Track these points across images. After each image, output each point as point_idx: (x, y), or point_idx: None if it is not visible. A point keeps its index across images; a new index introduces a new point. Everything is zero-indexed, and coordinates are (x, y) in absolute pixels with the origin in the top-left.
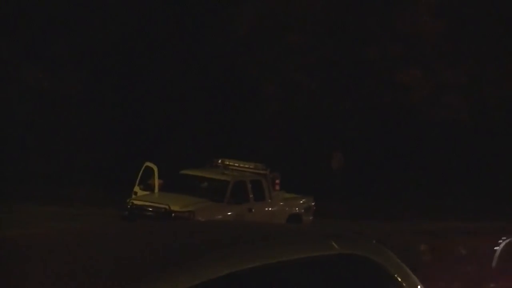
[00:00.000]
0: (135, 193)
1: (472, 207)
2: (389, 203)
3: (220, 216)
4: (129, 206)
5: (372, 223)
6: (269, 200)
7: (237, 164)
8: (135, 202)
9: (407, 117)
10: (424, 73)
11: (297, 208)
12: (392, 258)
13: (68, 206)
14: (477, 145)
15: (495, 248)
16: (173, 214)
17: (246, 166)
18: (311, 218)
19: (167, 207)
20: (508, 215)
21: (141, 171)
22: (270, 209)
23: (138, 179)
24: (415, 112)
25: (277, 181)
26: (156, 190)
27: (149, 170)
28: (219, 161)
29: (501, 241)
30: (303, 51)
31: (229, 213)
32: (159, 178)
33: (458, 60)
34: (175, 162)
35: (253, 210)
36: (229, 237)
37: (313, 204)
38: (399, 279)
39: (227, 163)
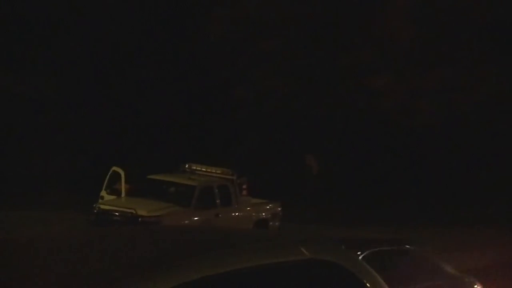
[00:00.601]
0: (102, 198)
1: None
2: (360, 208)
3: (187, 221)
4: (95, 211)
5: (342, 229)
6: (236, 206)
7: (204, 169)
8: (102, 206)
9: (380, 122)
10: (397, 79)
11: (264, 214)
12: (361, 264)
13: (41, 211)
14: (450, 150)
15: None
16: (139, 219)
17: (213, 171)
18: (277, 223)
19: (133, 211)
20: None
21: (108, 176)
22: (237, 214)
23: (105, 184)
24: (388, 118)
25: (244, 186)
26: (123, 194)
27: (116, 175)
28: (186, 166)
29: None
30: (277, 56)
31: (196, 218)
32: (126, 182)
33: (430, 66)
34: (145, 167)
35: (220, 216)
36: (199, 242)
37: (280, 209)
38: (368, 285)
39: (194, 168)
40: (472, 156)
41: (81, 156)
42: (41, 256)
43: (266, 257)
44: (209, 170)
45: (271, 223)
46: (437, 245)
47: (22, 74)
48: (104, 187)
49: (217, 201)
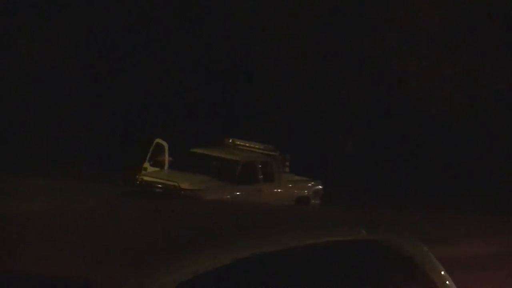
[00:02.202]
0: (145, 169)
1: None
2: (387, 192)
3: (228, 196)
4: (138, 182)
5: (379, 212)
6: (278, 182)
7: (247, 145)
8: (145, 178)
9: (402, 107)
10: (420, 64)
11: (305, 191)
12: (420, 247)
13: (65, 181)
14: (472, 138)
15: None
16: (182, 192)
17: (256, 147)
18: (318, 201)
19: (176, 184)
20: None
21: (151, 148)
22: (278, 190)
23: (148, 156)
24: (411, 103)
25: (287, 163)
26: (166, 167)
27: (160, 147)
28: (230, 141)
29: None
30: (302, 38)
31: (237, 193)
32: (169, 155)
33: (455, 52)
34: (185, 140)
35: (262, 191)
36: (259, 218)
37: (321, 187)
38: (426, 268)
39: (238, 143)
40: (495, 143)
41: (112, 129)
42: (82, 227)
43: (325, 235)
44: (252, 146)
45: (312, 200)
46: (459, 231)
47: (47, 45)
48: (147, 159)
49: (260, 176)
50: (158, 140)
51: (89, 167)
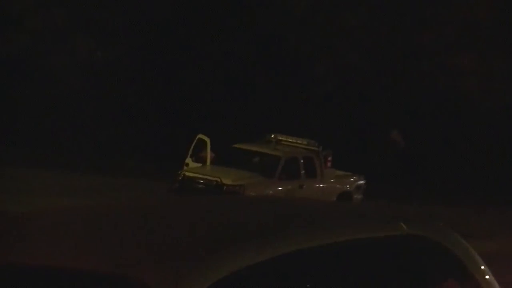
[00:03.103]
0: (187, 165)
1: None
2: (438, 187)
3: (270, 192)
4: (180, 178)
5: (425, 207)
6: (320, 177)
7: (289, 140)
8: (187, 173)
9: (460, 102)
10: (478, 59)
11: (348, 186)
12: (460, 242)
13: (116, 177)
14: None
15: None
16: (224, 188)
17: (299, 142)
18: (361, 196)
19: (218, 180)
20: None
21: (193, 143)
22: (320, 186)
23: (190, 151)
24: (468, 98)
25: (329, 158)
26: (208, 162)
27: (202, 143)
28: (272, 136)
29: None
30: (357, 32)
31: (279, 189)
32: (211, 151)
33: (496, 45)
34: (227, 136)
35: (304, 187)
36: (298, 213)
37: (363, 182)
38: (466, 263)
39: (280, 138)
40: None
41: (158, 125)
42: (132, 222)
43: (365, 231)
44: (294, 141)
45: (355, 196)
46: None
47: (101, 39)
48: (189, 155)
49: (302, 172)
50: (200, 135)
51: (138, 163)
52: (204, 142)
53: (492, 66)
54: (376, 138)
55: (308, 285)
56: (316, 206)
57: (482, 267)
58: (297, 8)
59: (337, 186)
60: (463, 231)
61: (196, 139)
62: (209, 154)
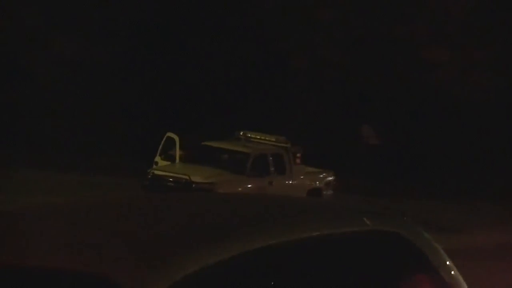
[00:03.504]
0: (156, 163)
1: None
2: (410, 182)
3: (240, 189)
4: (149, 176)
5: (396, 202)
6: (290, 174)
7: (258, 137)
8: (156, 172)
9: (434, 95)
10: (452, 51)
11: (317, 182)
12: (423, 235)
13: (92, 175)
14: (507, 125)
15: None
16: (193, 185)
17: (268, 139)
18: (331, 192)
19: (187, 178)
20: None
21: (162, 141)
22: (290, 182)
23: (159, 149)
24: (443, 91)
25: (298, 154)
26: (177, 160)
27: (171, 140)
28: (241, 133)
29: None
30: (332, 26)
31: (249, 186)
32: (180, 148)
33: (487, 39)
34: (199, 134)
35: (273, 183)
36: (262, 211)
37: (333, 178)
38: (431, 258)
39: (249, 135)
40: None
41: (132, 122)
42: (101, 221)
43: (329, 227)
44: (263, 138)
45: (324, 192)
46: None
47: (75, 37)
48: (158, 153)
49: (271, 169)
50: (169, 133)
51: (125, 161)
52: (173, 140)
53: (468, 57)
54: (349, 133)
55: (272, 282)
56: (281, 202)
57: (447, 263)
58: (273, 2)
59: (307, 182)
60: (436, 225)
61: (165, 137)
62: (178, 152)
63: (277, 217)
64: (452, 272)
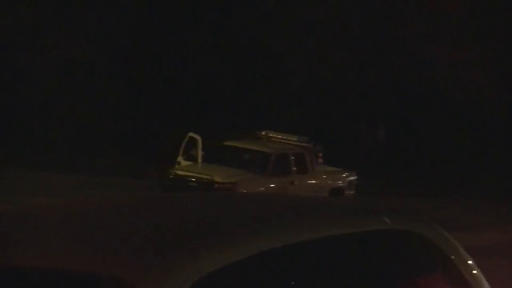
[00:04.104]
0: (178, 163)
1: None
2: (410, 181)
3: (262, 188)
4: (171, 176)
5: (411, 201)
6: (311, 173)
7: (280, 137)
8: (178, 172)
9: (431, 93)
10: (450, 50)
11: (339, 182)
12: (444, 235)
13: (91, 175)
14: (503, 123)
15: None
16: (215, 185)
17: (289, 138)
18: (353, 192)
19: (209, 177)
20: None
21: (184, 142)
22: (312, 182)
23: (181, 150)
24: (440, 89)
25: (320, 154)
26: (199, 160)
27: (192, 141)
28: (263, 133)
29: None
30: (329, 25)
31: (271, 185)
32: (202, 149)
33: (484, 38)
34: (216, 134)
35: (295, 183)
36: (283, 209)
37: (355, 178)
38: (452, 257)
39: (270, 135)
40: None
41: (129, 122)
42: (125, 221)
43: (349, 226)
44: (285, 138)
45: (346, 191)
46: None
47: (74, 37)
48: (180, 153)
49: (293, 168)
50: (191, 134)
51: (121, 161)
52: (195, 140)
53: (463, 56)
54: (356, 134)
55: (292, 282)
56: (301, 202)
57: (469, 262)
58: (270, 2)
59: (329, 182)
60: (449, 224)
61: (187, 137)
62: (200, 152)
63: (296, 217)
64: (474, 271)
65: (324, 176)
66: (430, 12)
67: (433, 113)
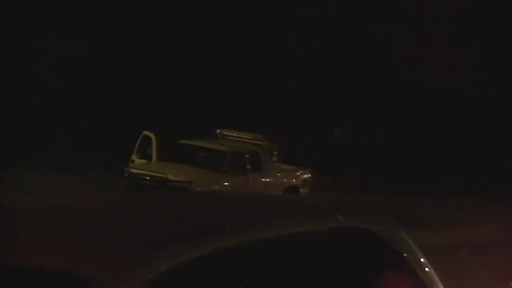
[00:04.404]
0: (133, 162)
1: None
2: (390, 178)
3: (217, 187)
4: (126, 175)
5: (374, 198)
6: (266, 172)
7: (235, 135)
8: (133, 170)
9: (416, 93)
10: (434, 49)
11: (294, 180)
12: (398, 233)
13: (79, 175)
14: (486, 122)
15: None
16: (170, 184)
17: (245, 136)
18: (307, 190)
19: (164, 176)
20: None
21: (139, 140)
22: (267, 180)
23: (136, 148)
24: (424, 88)
25: (275, 152)
26: (154, 159)
27: (147, 139)
28: (218, 131)
29: None
30: (309, 23)
31: (226, 184)
32: (157, 147)
33: (466, 37)
34: (175, 132)
35: (250, 181)
36: (235, 210)
37: (310, 176)
38: (404, 254)
39: (226, 133)
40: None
41: (109, 121)
42: (74, 221)
43: (303, 224)
44: (240, 136)
45: (301, 189)
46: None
47: (58, 36)
48: (135, 151)
49: (248, 167)
50: (146, 132)
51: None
52: (150, 138)
53: (447, 56)
54: (326, 133)
55: (245, 280)
56: (255, 201)
57: (422, 260)
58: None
59: (283, 180)
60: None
61: (142, 135)
62: (155, 150)
63: (250, 216)
64: (427, 269)
65: (279, 174)
66: (414, 11)
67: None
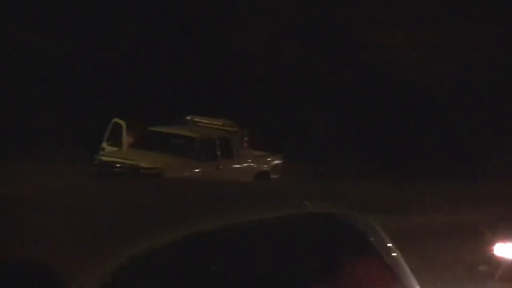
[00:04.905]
0: (103, 149)
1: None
2: (365, 164)
3: (187, 173)
4: (96, 163)
5: (345, 184)
6: (237, 158)
7: (205, 121)
8: (103, 158)
9: (386, 78)
10: (405, 34)
11: (265, 166)
12: (364, 219)
13: (51, 163)
14: (460, 109)
15: None
16: (141, 171)
17: (215, 123)
18: (278, 176)
19: (134, 163)
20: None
21: (109, 128)
22: (237, 166)
23: (106, 135)
24: (395, 74)
25: (246, 138)
26: (125, 146)
27: (118, 126)
28: (188, 118)
29: None
30: (277, 8)
31: (196, 170)
32: (127, 134)
33: (441, 21)
34: (147, 119)
35: (220, 168)
36: (201, 196)
37: (280, 162)
38: (371, 239)
39: (196, 120)
40: (484, 114)
41: (79, 108)
42: (47, 209)
43: (268, 211)
44: (210, 122)
45: (272, 175)
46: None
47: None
48: (105, 139)
49: (218, 153)
50: (116, 119)
51: (65, 147)
52: (120, 125)
53: (419, 40)
54: (294, 118)
55: (212, 267)
56: (222, 187)
57: (388, 244)
58: None
59: (254, 166)
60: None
61: (112, 123)
62: (125, 137)
63: (217, 202)
64: (393, 254)
65: (250, 160)
66: None
67: (389, 98)
